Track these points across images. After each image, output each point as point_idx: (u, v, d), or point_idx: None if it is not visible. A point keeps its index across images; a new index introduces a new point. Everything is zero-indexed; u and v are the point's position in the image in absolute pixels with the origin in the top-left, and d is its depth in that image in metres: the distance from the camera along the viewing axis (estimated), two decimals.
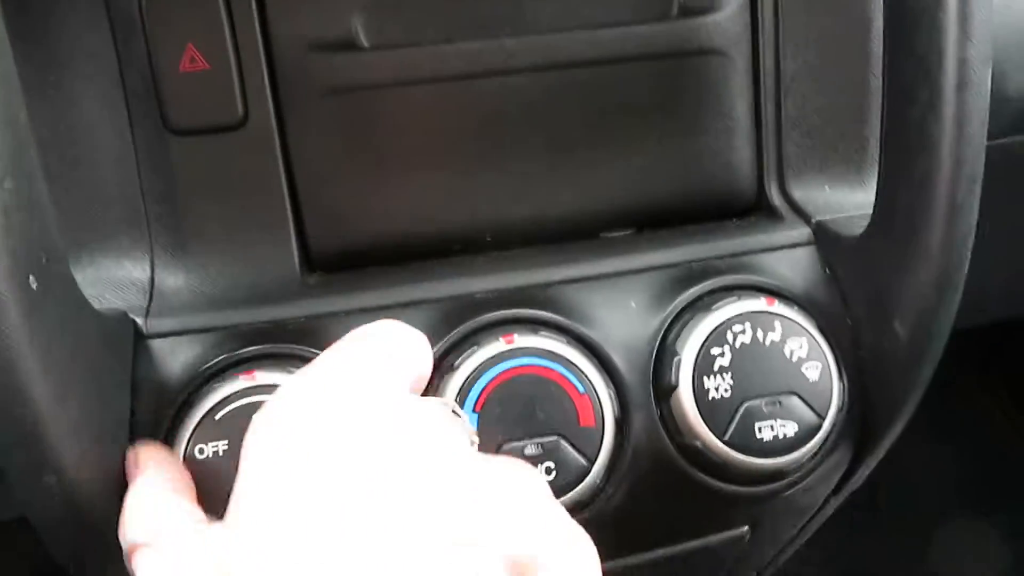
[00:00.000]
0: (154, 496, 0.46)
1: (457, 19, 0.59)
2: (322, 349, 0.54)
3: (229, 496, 0.49)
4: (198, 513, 0.46)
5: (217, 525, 0.41)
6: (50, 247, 0.45)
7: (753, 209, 0.65)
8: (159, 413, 0.52)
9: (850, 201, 0.63)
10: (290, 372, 0.53)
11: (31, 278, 0.42)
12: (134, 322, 0.55)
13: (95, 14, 0.56)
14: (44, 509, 0.46)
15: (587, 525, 0.54)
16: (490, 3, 0.59)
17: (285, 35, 0.57)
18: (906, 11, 0.47)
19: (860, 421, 0.58)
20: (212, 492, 0.50)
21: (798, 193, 0.64)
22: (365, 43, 0.58)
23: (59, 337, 0.44)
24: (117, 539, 0.49)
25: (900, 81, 0.49)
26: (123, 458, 0.50)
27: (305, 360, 0.54)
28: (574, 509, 0.53)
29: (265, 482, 0.38)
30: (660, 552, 0.61)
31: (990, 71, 0.47)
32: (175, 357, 0.54)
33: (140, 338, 0.55)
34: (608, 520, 0.56)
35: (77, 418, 0.45)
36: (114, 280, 0.58)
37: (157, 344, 0.55)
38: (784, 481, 0.56)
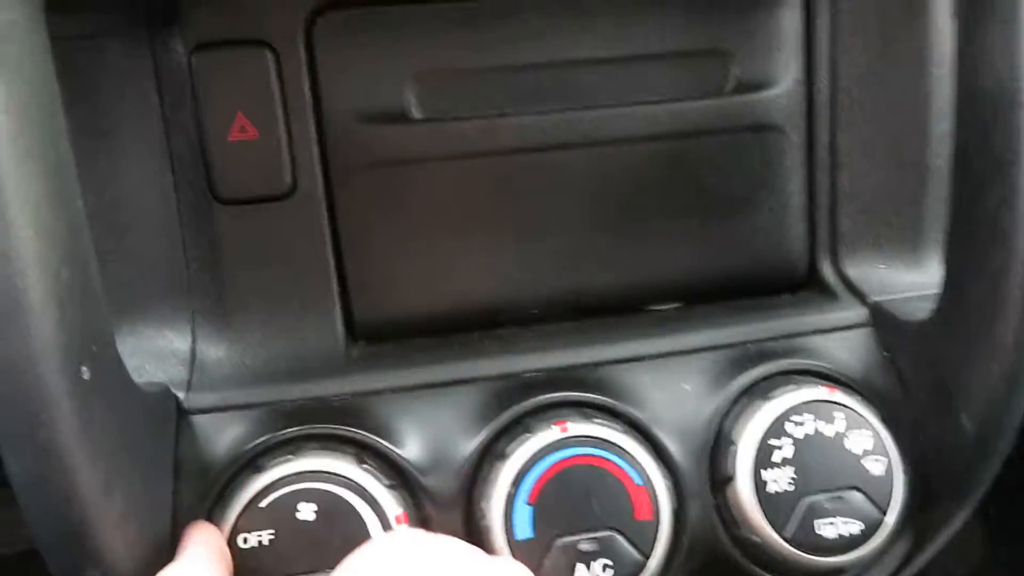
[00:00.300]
0: None
1: (509, 93, 0.58)
2: (365, 428, 0.53)
3: None
4: None
5: None
6: (100, 334, 0.43)
7: (805, 285, 0.64)
8: (202, 496, 0.50)
9: (906, 280, 0.61)
10: (335, 454, 0.51)
11: (83, 369, 0.41)
12: (176, 397, 0.54)
13: (144, 83, 0.55)
14: None
15: None
16: (543, 77, 0.58)
17: (335, 106, 0.56)
18: (981, 106, 0.46)
19: (921, 514, 0.56)
20: None
21: (852, 271, 0.62)
22: (416, 115, 0.57)
23: (108, 426, 0.43)
24: None
25: (972, 174, 0.48)
26: (167, 545, 0.49)
27: (348, 441, 0.53)
28: None
29: None
30: None
31: None
32: (217, 435, 0.53)
33: (182, 414, 0.54)
34: None
35: (123, 509, 0.43)
36: (155, 350, 0.57)
37: (199, 420, 0.53)
38: None
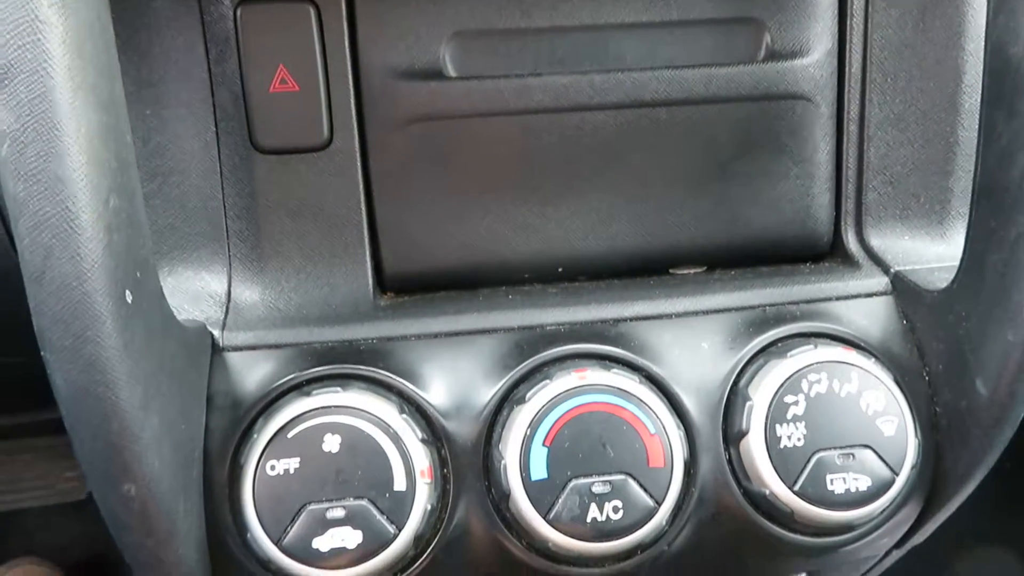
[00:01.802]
0: None
1: (543, 54, 0.59)
2: (392, 371, 0.55)
3: (297, 513, 0.51)
4: None
5: None
6: (144, 263, 0.46)
7: (828, 255, 0.65)
8: (232, 427, 0.53)
9: (930, 252, 0.62)
10: (362, 392, 0.53)
11: (127, 292, 0.43)
12: (211, 335, 0.56)
13: (191, 35, 0.58)
14: (122, 517, 0.47)
15: (647, 566, 0.54)
16: (578, 40, 0.59)
17: (374, 61, 0.58)
18: (1009, 75, 0.47)
19: (932, 477, 0.57)
20: (282, 508, 0.50)
21: (876, 241, 0.63)
22: (452, 73, 0.59)
23: (147, 349, 0.45)
24: (184, 547, 0.50)
25: (999, 141, 0.48)
26: (197, 470, 0.51)
27: (374, 382, 0.55)
28: (636, 550, 0.53)
29: None
30: None
31: None
32: (249, 371, 0.55)
33: (216, 351, 0.56)
34: (668, 562, 0.55)
35: (158, 429, 0.46)
36: (192, 292, 0.59)
37: (233, 357, 0.56)
38: (851, 534, 0.55)
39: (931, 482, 0.57)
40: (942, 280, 0.56)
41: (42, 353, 0.43)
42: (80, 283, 0.41)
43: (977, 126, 0.51)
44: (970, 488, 0.57)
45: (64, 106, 0.40)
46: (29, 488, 1.57)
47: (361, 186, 0.60)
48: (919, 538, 0.63)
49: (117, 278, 0.42)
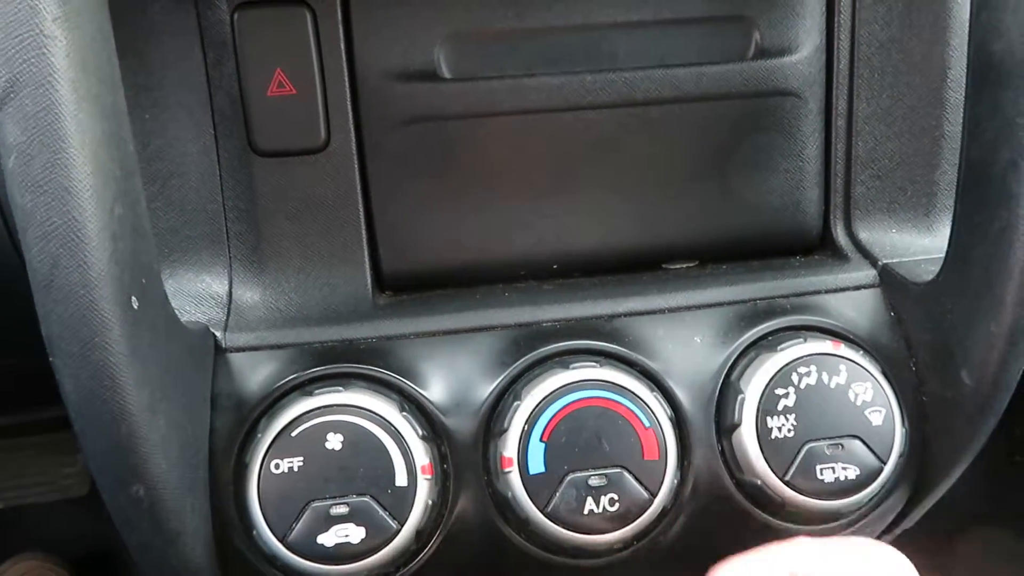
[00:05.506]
0: None
1: (537, 54, 0.60)
2: (392, 370, 0.57)
3: (302, 511, 0.52)
4: None
5: None
6: (149, 269, 0.47)
7: (817, 248, 0.66)
8: (236, 427, 0.54)
9: (917, 245, 0.63)
10: (363, 391, 0.54)
11: (133, 299, 0.44)
12: (214, 336, 0.57)
13: (188, 39, 0.58)
14: (131, 517, 0.48)
15: (643, 555, 0.56)
16: (570, 40, 0.60)
17: (369, 64, 0.59)
18: (992, 70, 0.48)
19: (919, 466, 0.58)
20: (286, 505, 0.52)
21: (864, 234, 0.64)
22: (447, 74, 0.60)
23: (154, 353, 0.46)
24: (192, 545, 0.51)
25: (982, 137, 0.50)
26: (204, 469, 0.52)
27: (374, 380, 0.56)
28: (632, 541, 0.54)
29: None
30: None
31: None
32: (252, 372, 0.56)
33: (219, 352, 0.57)
34: (663, 551, 0.57)
35: (165, 431, 0.47)
36: (194, 293, 0.60)
37: (235, 358, 0.57)
38: (840, 522, 0.57)
39: (918, 470, 0.58)
40: (928, 272, 0.58)
41: (50, 359, 0.44)
42: (87, 291, 0.42)
43: (962, 120, 0.52)
44: (956, 475, 0.59)
45: (69, 118, 0.41)
46: (31, 484, 1.58)
47: (358, 187, 0.61)
48: (907, 524, 0.64)
49: (123, 285, 0.43)
